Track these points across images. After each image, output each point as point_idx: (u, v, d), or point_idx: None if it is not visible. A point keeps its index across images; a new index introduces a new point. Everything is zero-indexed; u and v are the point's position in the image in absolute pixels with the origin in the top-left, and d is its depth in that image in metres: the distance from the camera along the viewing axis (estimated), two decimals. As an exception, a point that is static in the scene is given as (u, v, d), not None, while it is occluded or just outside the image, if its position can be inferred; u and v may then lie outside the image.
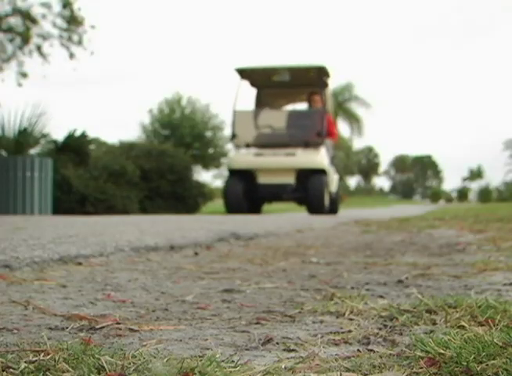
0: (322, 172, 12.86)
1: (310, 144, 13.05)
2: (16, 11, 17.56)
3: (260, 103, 14.66)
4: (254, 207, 13.79)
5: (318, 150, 12.99)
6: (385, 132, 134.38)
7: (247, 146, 13.33)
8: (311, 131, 13.29)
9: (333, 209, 13.53)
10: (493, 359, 1.05)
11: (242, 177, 12.96)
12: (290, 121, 13.63)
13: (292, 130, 13.41)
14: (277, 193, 13.01)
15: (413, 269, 2.61)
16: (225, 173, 16.37)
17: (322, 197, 12.57)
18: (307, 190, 12.56)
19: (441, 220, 7.62)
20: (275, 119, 13.80)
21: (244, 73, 13.93)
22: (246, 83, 14.37)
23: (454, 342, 1.15)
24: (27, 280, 2.13)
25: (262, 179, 12.80)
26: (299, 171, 12.72)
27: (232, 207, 12.76)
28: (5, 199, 8.61)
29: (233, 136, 13.46)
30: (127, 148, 16.08)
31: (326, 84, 14.19)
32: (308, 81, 14.15)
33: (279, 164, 12.72)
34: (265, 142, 13.34)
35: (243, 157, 13.13)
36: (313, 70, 13.91)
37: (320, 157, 12.87)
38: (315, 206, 12.61)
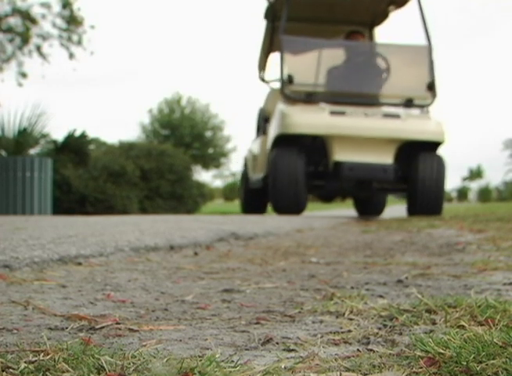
0: (437, 149, 8.44)
1: (415, 103, 8.54)
2: (16, 11, 17.56)
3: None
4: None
5: (428, 113, 8.54)
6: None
7: (310, 98, 8.44)
8: (418, 81, 8.73)
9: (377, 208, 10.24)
10: (493, 358, 1.05)
11: (303, 150, 8.19)
12: (381, 62, 8.89)
13: (386, 77, 8.85)
14: (367, 181, 8.44)
15: (413, 269, 2.61)
16: (241, 161, 11.37)
17: (442, 188, 8.46)
18: (416, 177, 8.21)
19: (440, 220, 7.62)
20: (352, 58, 8.98)
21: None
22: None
23: (454, 342, 1.15)
24: (27, 280, 2.13)
25: (342, 155, 8.04)
26: (401, 146, 8.23)
27: (283, 200, 8.22)
28: (5, 199, 8.60)
29: (288, 79, 8.32)
30: (126, 148, 16.08)
31: (386, 16, 9.78)
32: (368, 8, 9.43)
33: (375, 131, 8.04)
34: (343, 94, 8.64)
35: (310, 115, 8.13)
36: None
37: (437, 124, 8.30)
38: (431, 203, 8.35)
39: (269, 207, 10.76)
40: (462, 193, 73.93)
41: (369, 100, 8.77)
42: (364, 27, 9.78)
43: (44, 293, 1.90)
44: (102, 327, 1.40)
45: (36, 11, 17.64)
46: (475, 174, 78.42)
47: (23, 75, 18.15)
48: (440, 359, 1.08)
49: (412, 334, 1.30)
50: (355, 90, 8.81)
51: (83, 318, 1.49)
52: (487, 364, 1.03)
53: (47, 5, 17.50)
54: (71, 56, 17.87)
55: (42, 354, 1.10)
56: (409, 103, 8.52)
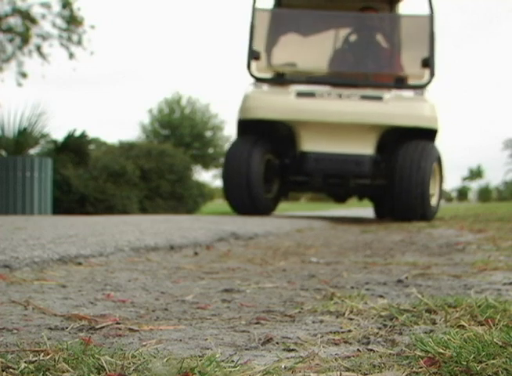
0: (431, 138, 7.06)
1: (407, 83, 7.19)
2: (16, 11, 17.56)
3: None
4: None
5: (422, 94, 7.09)
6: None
7: (281, 79, 7.19)
8: (411, 56, 7.41)
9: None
10: (493, 358, 1.05)
11: (265, 139, 7.10)
12: (367, 37, 7.62)
13: (373, 53, 7.59)
14: (340, 176, 7.04)
15: (413, 269, 2.61)
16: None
17: (426, 186, 6.78)
18: (393, 172, 6.74)
19: (440, 220, 7.62)
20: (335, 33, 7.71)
21: None
22: None
23: (454, 342, 1.15)
24: (27, 280, 2.13)
25: (310, 145, 6.88)
26: (387, 135, 7.00)
27: (236, 199, 7.11)
28: (5, 199, 8.60)
29: (252, 55, 7.11)
30: (126, 148, 16.07)
31: None
32: None
33: (349, 116, 6.79)
34: (320, 74, 7.44)
35: (274, 98, 7.01)
36: None
37: (430, 108, 7.00)
38: (411, 205, 6.78)
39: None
40: (462, 193, 73.94)
41: (351, 81, 7.40)
42: (382, 2, 8.23)
43: (44, 293, 1.90)
44: (102, 327, 1.40)
45: (36, 11, 17.65)
46: (475, 174, 78.40)
47: (23, 75, 18.15)
48: (440, 359, 1.08)
49: (413, 334, 1.30)
50: (334, 69, 7.58)
51: (83, 318, 1.49)
52: (487, 364, 1.03)
53: (47, 5, 17.50)
54: (71, 55, 17.87)
55: (42, 354, 1.10)
56: (399, 83, 7.15)
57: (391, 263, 2.88)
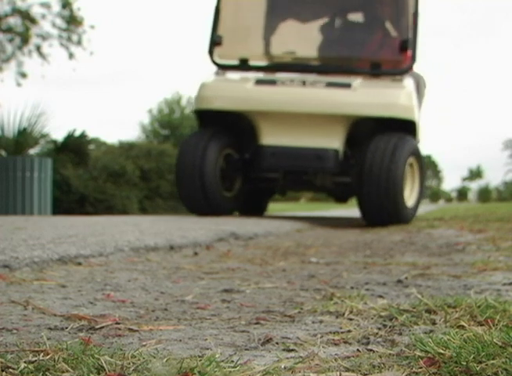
0: (406, 130, 6.30)
1: (383, 69, 6.42)
2: (16, 11, 17.56)
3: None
4: (250, 202, 7.89)
5: (400, 81, 6.36)
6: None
7: (244, 65, 6.58)
8: (387, 40, 6.67)
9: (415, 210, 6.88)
10: (493, 358, 1.05)
11: (225, 132, 6.53)
12: (340, 18, 6.95)
13: (346, 36, 6.88)
14: (301, 172, 6.49)
15: (413, 269, 2.61)
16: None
17: (398, 186, 6.01)
18: (362, 169, 6.04)
19: (440, 220, 7.62)
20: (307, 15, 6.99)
21: None
22: None
23: (453, 342, 1.15)
24: (27, 280, 2.13)
25: (270, 138, 6.26)
26: (355, 126, 6.35)
27: (189, 198, 6.48)
28: (5, 199, 8.61)
29: (215, 41, 6.58)
30: (126, 148, 16.08)
31: None
32: None
33: (312, 105, 6.15)
34: (287, 60, 6.81)
35: (230, 86, 6.49)
36: None
37: (406, 96, 6.26)
38: (383, 206, 6.05)
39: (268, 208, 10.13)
40: (462, 193, 73.97)
41: (319, 66, 6.77)
42: None
43: (44, 293, 1.90)
44: (102, 327, 1.40)
45: (36, 11, 17.66)
46: (475, 174, 78.42)
47: (23, 75, 18.16)
48: (440, 359, 1.08)
49: (412, 334, 1.30)
50: (303, 54, 6.87)
51: (83, 318, 1.49)
52: (487, 364, 1.03)
53: (47, 5, 17.51)
54: (71, 56, 17.88)
55: (42, 354, 1.10)
56: (375, 69, 6.39)
57: (391, 263, 2.88)
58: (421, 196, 6.77)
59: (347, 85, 6.24)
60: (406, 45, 6.31)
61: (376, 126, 6.43)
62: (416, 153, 6.36)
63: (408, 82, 6.43)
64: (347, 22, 7.05)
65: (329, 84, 6.24)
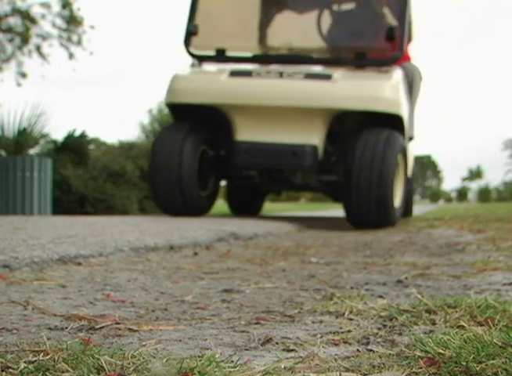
0: (393, 126, 5.90)
1: (368, 59, 6.02)
2: (16, 11, 17.57)
3: None
4: (243, 201, 7.86)
5: (387, 73, 5.96)
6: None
7: (222, 56, 6.24)
8: (373, 28, 6.27)
9: (404, 209, 6.71)
10: (492, 359, 1.05)
11: (200, 127, 6.20)
12: (323, 6, 6.56)
13: (329, 26, 6.46)
14: (277, 170, 6.20)
15: (413, 269, 2.61)
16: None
17: (388, 186, 5.62)
18: (350, 168, 5.63)
19: (440, 220, 7.62)
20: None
21: None
22: None
23: (453, 342, 1.15)
24: (27, 280, 2.13)
25: (245, 134, 5.91)
26: (336, 121, 5.96)
27: (163, 198, 6.14)
28: (5, 199, 8.61)
29: (190, 31, 6.29)
30: (126, 148, 16.07)
31: None
32: None
33: (289, 98, 5.78)
34: (266, 52, 6.61)
35: (202, 79, 6.15)
36: None
37: (391, 89, 5.84)
38: (378, 210, 5.66)
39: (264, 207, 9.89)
40: (461, 194, 74.00)
41: (300, 57, 6.37)
42: None
43: (43, 293, 1.90)
44: (102, 327, 1.40)
45: (36, 11, 17.67)
46: (475, 174, 78.46)
47: (23, 75, 18.17)
48: (440, 360, 1.08)
49: (412, 335, 1.30)
50: (281, 44, 6.53)
51: (83, 318, 1.49)
52: (487, 364, 1.03)
53: (47, 5, 17.52)
54: (71, 56, 17.88)
55: (42, 354, 1.10)
56: (360, 59, 5.97)
57: (391, 263, 2.88)
58: (406, 195, 6.55)
59: (328, 77, 5.85)
60: (393, 33, 5.87)
61: (360, 121, 6.08)
62: (403, 152, 6.01)
63: (396, 74, 5.99)
64: (331, 11, 6.64)
65: (309, 76, 5.86)
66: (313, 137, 5.88)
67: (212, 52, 6.29)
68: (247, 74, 5.98)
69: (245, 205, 8.65)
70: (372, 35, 6.28)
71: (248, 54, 6.53)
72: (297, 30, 6.62)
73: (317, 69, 6.29)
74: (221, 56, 6.25)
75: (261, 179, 6.40)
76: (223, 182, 7.46)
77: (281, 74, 5.85)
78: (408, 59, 7.03)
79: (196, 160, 6.06)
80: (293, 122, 5.87)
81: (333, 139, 6.08)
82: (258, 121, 5.89)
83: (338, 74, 5.88)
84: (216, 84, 5.92)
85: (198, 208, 6.33)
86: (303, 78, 5.82)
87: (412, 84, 6.65)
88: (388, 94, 5.81)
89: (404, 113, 6.00)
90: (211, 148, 6.29)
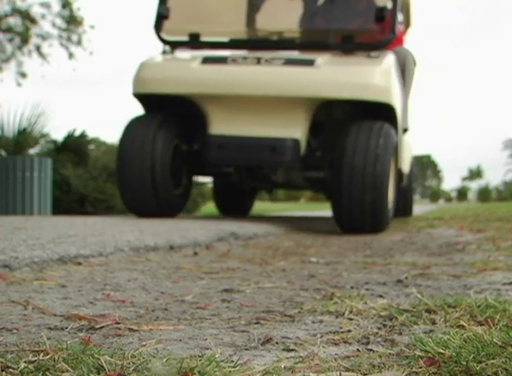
0: (384, 117, 5.33)
1: (357, 42, 5.45)
2: (16, 11, 17.57)
3: None
4: (231, 200, 7.42)
5: (377, 58, 5.35)
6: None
7: (195, 41, 5.74)
8: (361, 9, 5.68)
9: (404, 209, 6.79)
10: (493, 358, 1.05)
11: (173, 119, 5.68)
12: None
13: (312, 7, 5.89)
14: (254, 167, 5.69)
15: (413, 269, 2.61)
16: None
17: (385, 183, 5.06)
18: (341, 164, 5.03)
19: (440, 220, 7.62)
20: None
21: None
22: None
23: (453, 342, 1.15)
24: (27, 280, 2.13)
25: (220, 127, 5.40)
26: (320, 111, 5.44)
27: (139, 200, 5.60)
28: (5, 199, 8.60)
29: (161, 14, 5.82)
30: (126, 148, 16.04)
31: None
32: None
33: (267, 87, 5.23)
34: (244, 36, 6.05)
35: (172, 66, 5.62)
36: None
37: (381, 75, 5.24)
38: (373, 213, 5.07)
39: (266, 207, 9.86)
40: (461, 193, 74.00)
41: (281, 41, 5.93)
42: None
43: (43, 293, 1.90)
44: (102, 327, 1.40)
45: (36, 11, 17.68)
46: (475, 174, 78.46)
47: (23, 75, 18.17)
48: (440, 359, 1.08)
49: (412, 334, 1.30)
50: (261, 28, 6.05)
51: (83, 318, 1.49)
52: (487, 364, 1.03)
53: (47, 5, 17.52)
54: (71, 55, 17.89)
55: (42, 354, 1.10)
56: (348, 43, 5.42)
57: (391, 263, 2.88)
58: (397, 195, 6.09)
59: (310, 62, 5.25)
60: (383, 13, 5.29)
61: (348, 112, 5.58)
62: (395, 147, 5.43)
63: (387, 59, 5.41)
64: None
65: (289, 62, 5.27)
66: (294, 130, 5.33)
67: (185, 38, 5.77)
68: (222, 60, 5.43)
69: (233, 205, 8.18)
70: (360, 16, 5.70)
71: (225, 39, 5.99)
72: (279, 12, 6.14)
73: (299, 54, 5.75)
74: (194, 42, 5.73)
75: (239, 177, 5.91)
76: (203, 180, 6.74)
77: (259, 60, 5.32)
78: (400, 42, 6.54)
79: (169, 156, 5.55)
80: (272, 113, 5.33)
81: (317, 132, 5.55)
82: (234, 113, 5.38)
83: (322, 59, 5.32)
84: (187, 72, 5.39)
85: (171, 208, 5.83)
86: (283, 64, 5.26)
87: (404, 70, 6.17)
88: (378, 81, 5.21)
89: (396, 102, 5.44)
90: (185, 142, 5.77)
